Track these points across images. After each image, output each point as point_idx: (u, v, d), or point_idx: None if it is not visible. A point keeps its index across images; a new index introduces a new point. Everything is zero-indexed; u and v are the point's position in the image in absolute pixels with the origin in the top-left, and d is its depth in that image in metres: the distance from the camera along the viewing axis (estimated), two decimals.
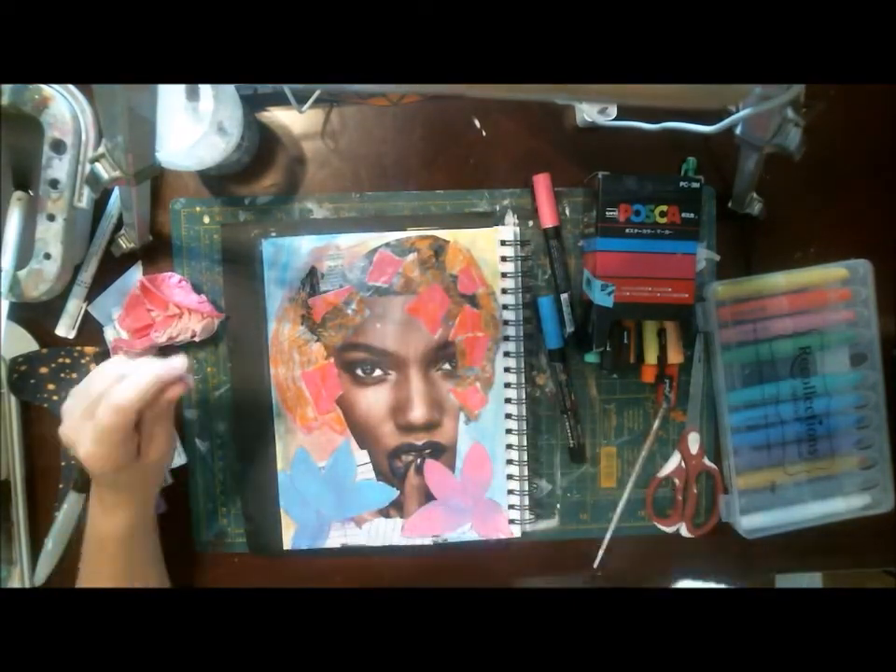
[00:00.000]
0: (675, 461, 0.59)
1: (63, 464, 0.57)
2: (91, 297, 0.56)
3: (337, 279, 0.56)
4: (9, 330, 0.55)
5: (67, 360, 0.56)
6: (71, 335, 0.56)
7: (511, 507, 0.58)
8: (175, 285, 0.55)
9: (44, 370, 0.56)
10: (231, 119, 0.49)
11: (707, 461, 0.59)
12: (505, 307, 0.57)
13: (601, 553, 0.58)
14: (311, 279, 0.56)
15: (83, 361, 0.56)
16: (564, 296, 0.57)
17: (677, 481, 0.58)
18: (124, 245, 0.54)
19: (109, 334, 0.56)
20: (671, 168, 0.57)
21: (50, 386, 0.56)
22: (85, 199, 0.52)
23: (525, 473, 0.58)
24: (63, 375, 0.56)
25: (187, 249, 0.57)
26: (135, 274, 0.56)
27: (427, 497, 0.58)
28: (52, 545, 0.57)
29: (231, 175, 0.56)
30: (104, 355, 0.56)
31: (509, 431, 0.57)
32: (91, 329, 0.57)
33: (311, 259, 0.56)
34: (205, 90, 0.46)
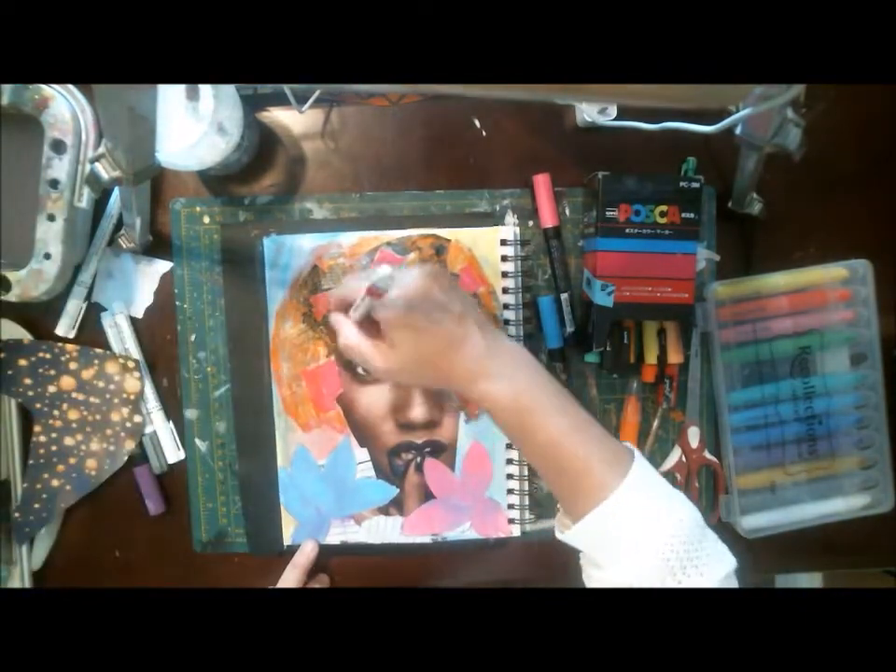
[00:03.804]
0: (675, 456, 0.59)
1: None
2: (90, 297, 0.56)
3: (339, 277, 0.56)
4: (9, 329, 0.56)
5: (48, 356, 0.56)
6: (71, 335, 0.56)
7: (510, 506, 0.58)
8: None
9: (23, 362, 0.55)
10: (231, 118, 0.49)
11: (707, 454, 0.59)
12: (506, 307, 0.57)
13: None
14: (312, 277, 0.56)
15: (63, 359, 0.56)
16: (564, 296, 0.57)
17: (678, 475, 0.58)
18: (124, 245, 0.54)
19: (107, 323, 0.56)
20: (671, 168, 0.57)
21: (27, 381, 0.56)
22: (85, 199, 0.52)
23: (525, 473, 0.58)
24: (41, 371, 0.56)
25: (187, 249, 0.57)
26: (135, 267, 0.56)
27: (427, 495, 0.58)
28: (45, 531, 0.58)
29: (231, 175, 0.56)
30: (84, 354, 0.56)
31: None
32: (91, 329, 0.57)
33: (313, 258, 0.56)
34: (205, 90, 0.46)
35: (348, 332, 0.46)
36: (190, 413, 0.58)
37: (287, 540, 0.58)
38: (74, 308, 0.56)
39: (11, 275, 0.51)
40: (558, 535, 0.44)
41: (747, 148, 0.49)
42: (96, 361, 0.56)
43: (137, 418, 0.57)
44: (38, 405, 0.56)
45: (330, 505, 0.58)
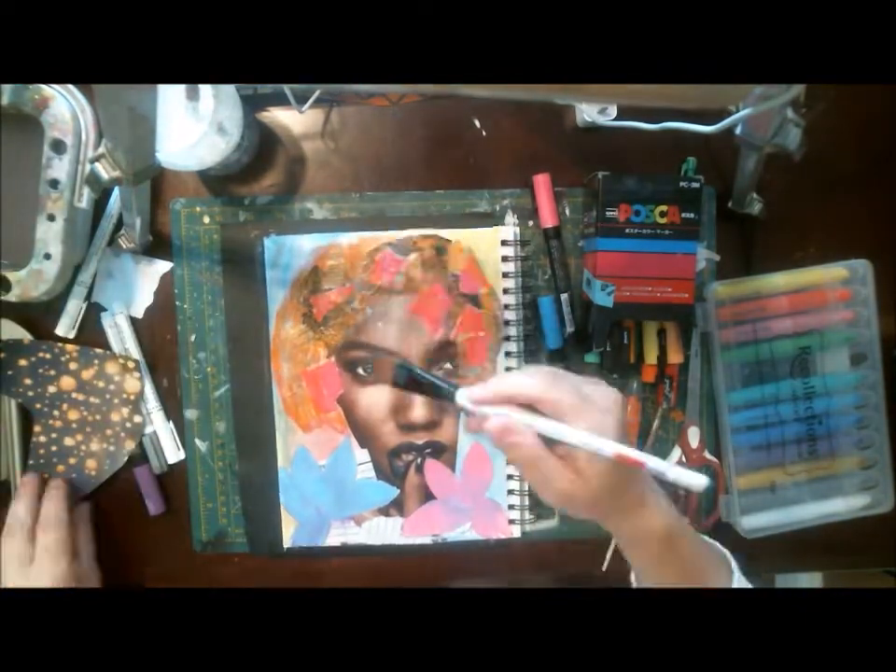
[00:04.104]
0: (675, 456, 0.59)
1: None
2: (90, 297, 0.56)
3: (339, 277, 0.56)
4: (9, 329, 0.56)
5: (48, 356, 0.56)
6: (71, 335, 0.56)
7: (510, 507, 0.58)
8: None
9: (23, 362, 0.55)
10: (231, 118, 0.49)
11: (707, 454, 0.58)
12: (506, 307, 0.57)
13: (608, 556, 0.58)
14: (313, 277, 0.56)
15: (63, 359, 0.56)
16: (564, 296, 0.57)
17: None
18: (124, 245, 0.54)
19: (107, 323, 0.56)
20: (671, 168, 0.57)
21: (27, 381, 0.56)
22: (85, 199, 0.52)
23: None
24: (41, 371, 0.56)
25: (187, 249, 0.57)
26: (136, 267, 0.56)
27: (427, 496, 0.58)
28: None
29: (231, 175, 0.56)
30: (84, 354, 0.56)
31: None
32: (91, 330, 0.57)
33: (313, 258, 0.56)
34: (205, 90, 0.46)
35: (525, 436, 0.36)
36: (190, 414, 0.58)
37: (286, 541, 0.58)
38: (74, 308, 0.56)
39: (11, 275, 0.51)
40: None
41: (747, 148, 0.49)
42: (96, 361, 0.56)
43: (137, 418, 0.57)
44: (38, 405, 0.56)
45: (330, 506, 0.58)
